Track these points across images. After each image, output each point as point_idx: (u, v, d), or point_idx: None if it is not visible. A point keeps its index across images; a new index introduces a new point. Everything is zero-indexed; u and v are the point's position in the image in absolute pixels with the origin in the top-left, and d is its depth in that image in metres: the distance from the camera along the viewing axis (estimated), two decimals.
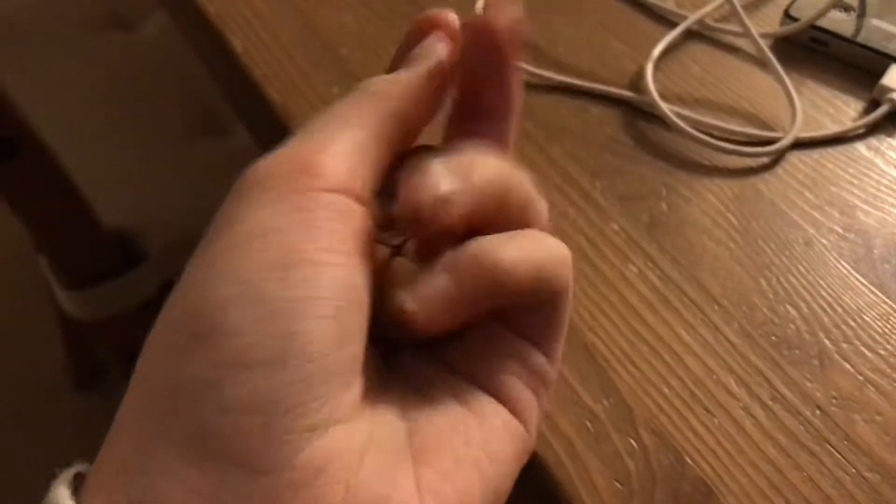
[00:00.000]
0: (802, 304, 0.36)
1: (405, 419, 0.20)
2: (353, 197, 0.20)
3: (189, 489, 0.17)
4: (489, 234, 0.21)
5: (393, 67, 0.24)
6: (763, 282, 0.37)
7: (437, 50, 0.23)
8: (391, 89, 0.22)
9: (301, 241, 0.19)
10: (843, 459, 0.32)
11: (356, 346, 0.19)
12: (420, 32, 0.24)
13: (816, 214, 0.40)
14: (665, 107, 0.43)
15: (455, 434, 0.20)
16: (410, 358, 0.22)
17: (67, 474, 0.19)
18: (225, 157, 0.84)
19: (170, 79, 0.89)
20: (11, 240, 0.98)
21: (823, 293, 0.37)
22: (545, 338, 0.23)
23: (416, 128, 0.23)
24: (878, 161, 0.43)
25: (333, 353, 0.18)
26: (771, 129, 0.44)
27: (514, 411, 0.21)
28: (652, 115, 0.44)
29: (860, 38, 0.47)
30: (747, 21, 0.46)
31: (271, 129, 0.45)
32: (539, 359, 0.22)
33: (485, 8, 0.23)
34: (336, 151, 0.20)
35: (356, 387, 0.19)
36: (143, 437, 0.18)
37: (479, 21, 0.22)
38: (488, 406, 0.21)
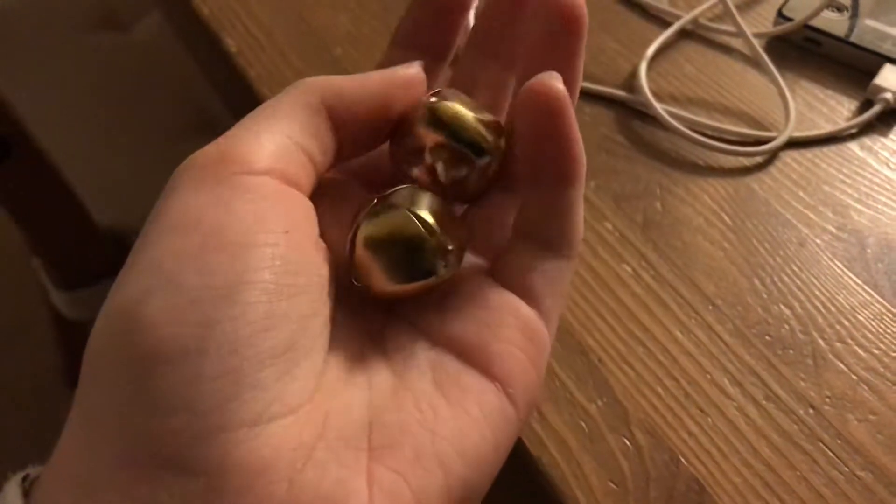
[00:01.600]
0: (796, 304, 0.36)
1: (371, 404, 0.19)
2: (282, 180, 0.20)
3: (126, 496, 0.16)
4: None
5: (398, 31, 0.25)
6: (757, 281, 0.37)
7: (406, 70, 0.23)
8: (323, 85, 0.22)
9: (222, 226, 0.18)
10: (836, 458, 0.32)
11: (296, 328, 0.18)
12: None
13: (810, 214, 0.40)
14: (659, 106, 0.43)
15: (421, 427, 0.19)
16: (396, 332, 0.22)
17: (18, 476, 0.19)
18: None
19: (164, 78, 0.89)
20: (5, 240, 0.98)
21: (817, 293, 0.37)
22: (547, 291, 0.22)
23: (356, 117, 0.22)
24: (871, 160, 0.43)
25: (263, 341, 0.17)
26: (765, 128, 0.44)
27: (505, 383, 0.21)
28: (646, 115, 0.44)
29: (853, 38, 0.47)
30: (741, 21, 0.46)
31: None
32: (534, 317, 0.22)
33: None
34: (258, 139, 0.20)
35: (305, 373, 0.18)
36: (86, 442, 0.17)
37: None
38: (470, 390, 0.20)
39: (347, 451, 0.18)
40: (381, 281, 0.21)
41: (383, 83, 0.23)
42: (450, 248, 0.21)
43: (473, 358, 0.21)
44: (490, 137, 0.23)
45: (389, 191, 0.22)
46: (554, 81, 0.21)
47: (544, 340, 0.22)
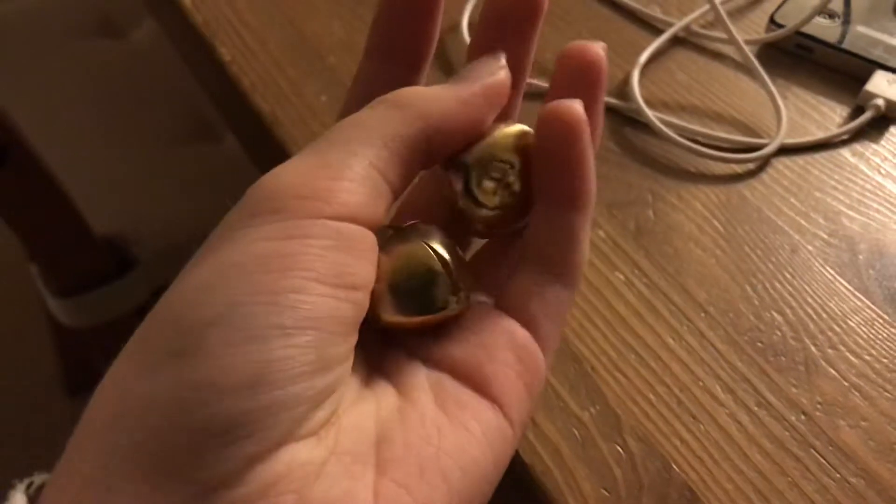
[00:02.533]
0: (788, 311, 0.37)
1: (378, 425, 0.20)
2: (363, 225, 0.20)
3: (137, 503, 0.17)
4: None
5: (374, 28, 0.24)
6: (749, 288, 0.37)
7: (495, 71, 0.22)
8: (424, 104, 0.21)
9: (295, 269, 0.18)
10: (828, 465, 0.32)
11: (336, 374, 0.19)
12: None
13: (802, 220, 0.40)
14: (651, 114, 0.43)
15: (426, 443, 0.20)
16: (394, 355, 0.22)
17: (24, 483, 0.19)
18: (216, 163, 0.84)
19: (161, 85, 0.89)
20: (2, 247, 0.98)
21: (809, 299, 0.37)
22: (545, 317, 0.23)
23: (451, 145, 0.22)
24: (863, 166, 0.43)
25: (307, 381, 0.18)
26: (756, 135, 0.44)
27: (500, 402, 0.21)
28: (638, 122, 0.44)
29: (845, 45, 0.47)
30: (732, 28, 0.46)
31: (259, 137, 0.45)
32: (529, 341, 0.22)
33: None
34: (351, 177, 0.20)
35: (329, 407, 0.19)
36: (104, 446, 0.18)
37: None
38: (469, 408, 0.21)
39: (355, 464, 0.19)
40: (393, 312, 0.21)
41: (485, 104, 0.22)
42: (462, 284, 0.22)
43: (469, 379, 0.21)
44: None
45: (404, 224, 0.22)
46: (572, 104, 0.21)
47: (538, 364, 0.22)
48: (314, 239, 0.19)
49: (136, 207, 0.81)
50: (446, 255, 0.22)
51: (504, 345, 0.22)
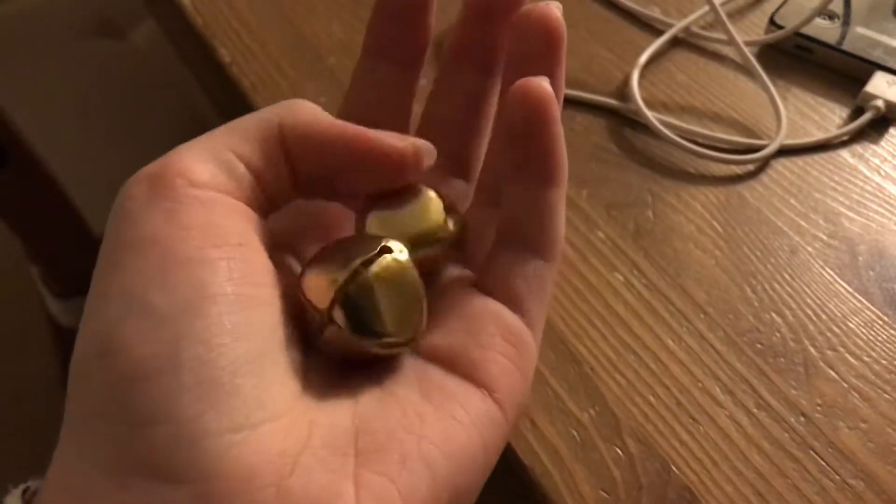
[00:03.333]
0: (787, 312, 0.37)
1: (356, 414, 0.20)
2: (227, 193, 0.20)
3: None
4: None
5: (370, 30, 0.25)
6: (748, 289, 0.37)
7: (400, 140, 0.22)
8: (287, 111, 0.22)
9: (175, 243, 0.19)
10: (827, 466, 0.32)
11: (264, 337, 0.19)
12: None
13: (801, 221, 0.40)
14: (650, 115, 0.43)
15: (407, 431, 0.19)
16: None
17: (19, 489, 0.19)
18: None
19: (160, 86, 0.89)
20: (2, 248, 0.98)
21: (808, 300, 0.37)
22: (530, 295, 0.22)
23: (308, 156, 0.22)
24: (863, 168, 0.43)
25: (232, 350, 0.18)
26: (756, 136, 0.44)
27: (490, 388, 0.21)
28: (638, 123, 0.44)
29: (845, 46, 0.47)
30: (732, 29, 0.46)
31: None
32: (517, 322, 0.22)
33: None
34: (200, 153, 0.20)
35: (282, 379, 0.19)
36: (77, 455, 0.18)
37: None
38: (456, 396, 0.20)
39: (334, 457, 0.18)
40: (347, 349, 0.21)
41: (348, 141, 0.22)
42: (415, 329, 0.21)
43: (457, 366, 0.21)
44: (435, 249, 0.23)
45: (366, 257, 0.21)
46: (541, 82, 0.21)
47: (528, 344, 0.22)
48: (175, 213, 0.19)
49: None
50: (392, 309, 0.21)
51: (491, 329, 0.22)
